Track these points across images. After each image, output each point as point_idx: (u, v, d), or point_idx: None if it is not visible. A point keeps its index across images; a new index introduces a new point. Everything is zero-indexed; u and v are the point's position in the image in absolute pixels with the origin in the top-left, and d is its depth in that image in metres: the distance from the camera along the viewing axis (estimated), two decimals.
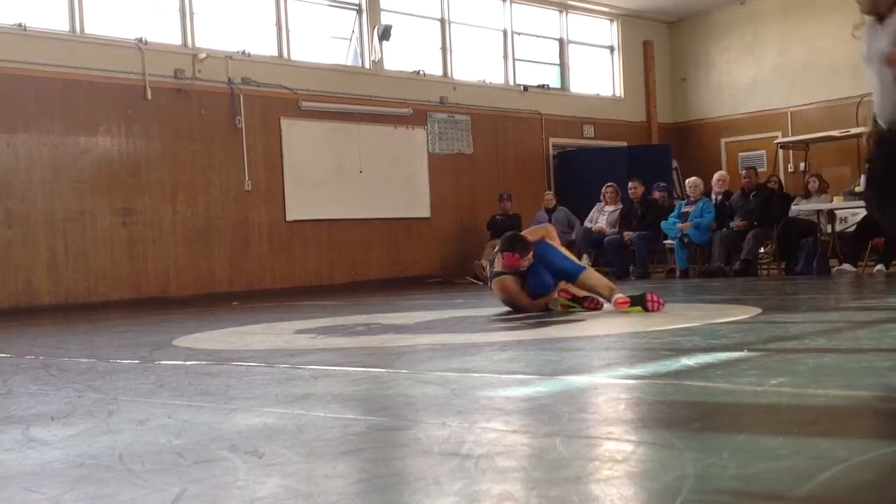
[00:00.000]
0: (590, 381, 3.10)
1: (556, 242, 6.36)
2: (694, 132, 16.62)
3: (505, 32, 14.76)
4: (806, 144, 13.94)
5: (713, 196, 11.31)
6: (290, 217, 11.96)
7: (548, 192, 13.05)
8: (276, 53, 12.15)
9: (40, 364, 4.49)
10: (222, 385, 3.39)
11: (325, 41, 12.92)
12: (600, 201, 12.28)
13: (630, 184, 11.85)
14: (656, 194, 11.96)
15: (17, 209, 9.88)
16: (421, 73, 13.56)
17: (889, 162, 4.75)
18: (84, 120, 10.37)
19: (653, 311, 5.63)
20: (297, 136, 12.06)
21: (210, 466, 2.05)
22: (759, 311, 5.47)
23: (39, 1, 10.38)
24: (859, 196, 8.63)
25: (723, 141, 16.29)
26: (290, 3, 12.28)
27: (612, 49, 16.36)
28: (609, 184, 12.25)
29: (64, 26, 10.43)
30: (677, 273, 11.00)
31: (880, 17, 4.78)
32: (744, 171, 11.36)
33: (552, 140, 15.09)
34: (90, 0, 10.61)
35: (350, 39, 13.10)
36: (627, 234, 11.37)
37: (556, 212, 12.72)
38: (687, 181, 11.86)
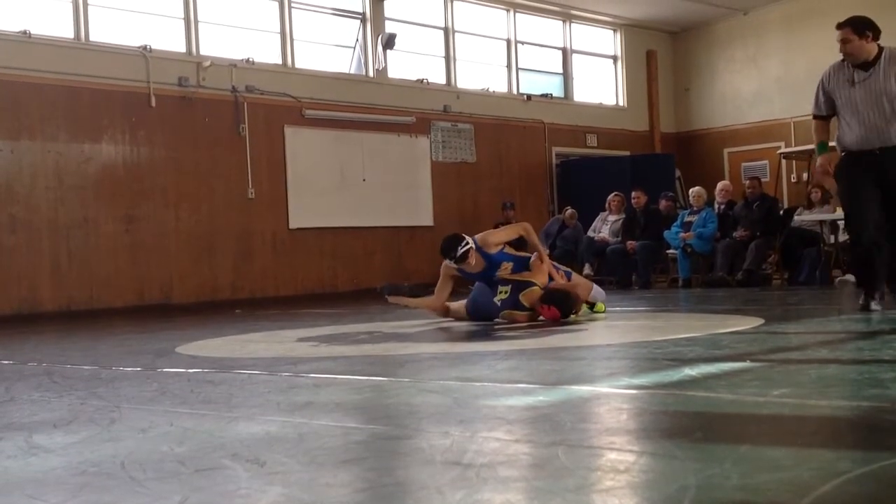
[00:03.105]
0: (592, 390, 3.10)
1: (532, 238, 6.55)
2: (697, 142, 16.63)
3: (508, 41, 14.79)
4: (809, 155, 13.91)
5: (716, 206, 11.31)
6: (293, 225, 11.96)
7: (570, 209, 12.88)
8: (279, 61, 12.18)
9: (43, 371, 4.49)
10: (224, 393, 3.40)
11: (328, 49, 12.95)
12: (605, 210, 12.27)
13: (633, 193, 11.84)
14: (662, 203, 11.94)
15: (21, 216, 9.89)
16: (424, 81, 13.58)
17: None
18: (88, 127, 10.39)
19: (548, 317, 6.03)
20: (301, 144, 12.08)
21: (212, 475, 2.05)
22: (761, 321, 5.47)
23: (44, 8, 10.41)
24: None
25: (725, 151, 16.29)
26: (294, 11, 12.31)
27: (615, 58, 16.39)
28: (616, 193, 12.23)
29: (69, 34, 10.46)
30: (680, 283, 10.99)
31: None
32: (747, 181, 11.36)
33: (555, 149, 15.10)
34: (95, 8, 10.64)
35: (354, 48, 13.13)
36: (630, 244, 11.36)
37: (572, 229, 12.58)
38: (690, 191, 11.86)
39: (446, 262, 6.45)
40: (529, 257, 6.38)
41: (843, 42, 5.56)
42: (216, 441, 2.44)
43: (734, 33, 16.09)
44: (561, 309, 6.04)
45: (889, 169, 5.47)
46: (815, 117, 5.86)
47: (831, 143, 5.89)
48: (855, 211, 5.65)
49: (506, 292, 6.21)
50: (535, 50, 15.22)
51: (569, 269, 6.80)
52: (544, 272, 6.28)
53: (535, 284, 6.16)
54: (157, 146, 10.88)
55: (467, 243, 6.27)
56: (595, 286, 6.96)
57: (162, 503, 1.83)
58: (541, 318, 6.07)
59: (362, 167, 12.60)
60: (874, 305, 5.53)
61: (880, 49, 5.56)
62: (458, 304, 6.64)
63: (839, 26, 5.64)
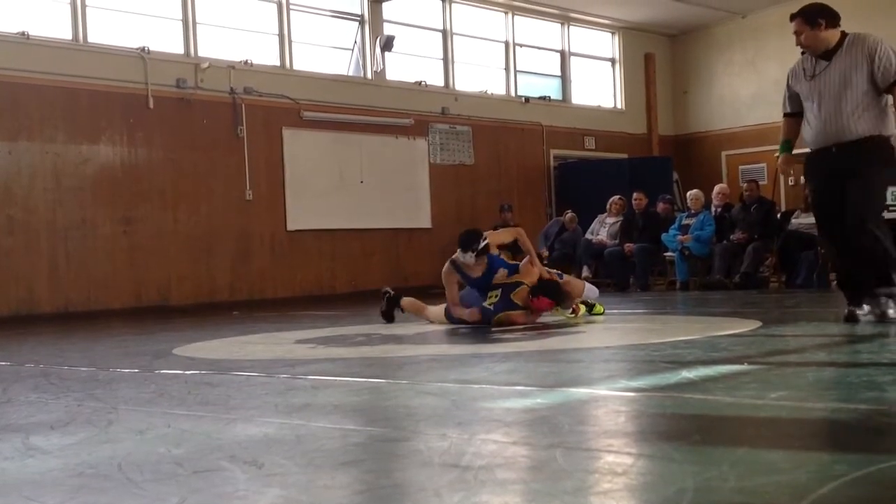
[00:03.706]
0: (590, 393, 3.10)
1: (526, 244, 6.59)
2: (695, 145, 16.64)
3: (507, 44, 14.79)
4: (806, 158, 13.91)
5: (713, 208, 11.32)
6: (291, 227, 11.96)
7: (571, 213, 12.84)
8: (278, 63, 12.18)
9: (40, 372, 4.49)
10: (222, 395, 3.39)
11: (327, 51, 12.95)
12: (603, 212, 12.25)
13: (634, 195, 11.85)
14: (660, 206, 11.96)
15: (19, 217, 9.88)
16: (423, 83, 13.58)
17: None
18: (86, 128, 10.39)
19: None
20: (299, 146, 12.08)
21: (209, 476, 2.05)
22: (759, 324, 5.47)
23: (42, 9, 10.40)
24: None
25: (723, 154, 16.30)
26: (292, 13, 12.31)
27: (613, 61, 16.39)
28: (618, 196, 12.22)
29: (67, 35, 10.45)
30: (678, 285, 10.99)
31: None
32: (745, 184, 11.37)
33: (553, 151, 15.10)
34: (93, 9, 10.64)
35: (352, 50, 13.13)
36: (628, 246, 11.37)
37: (571, 232, 12.56)
38: (688, 193, 11.86)
39: (448, 269, 6.45)
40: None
41: (797, 34, 5.20)
42: (214, 443, 2.44)
43: (733, 36, 16.10)
44: (550, 296, 6.10)
45: (842, 168, 5.01)
46: (784, 115, 5.57)
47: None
48: (823, 231, 5.31)
49: (496, 296, 6.25)
50: (533, 52, 15.22)
51: (560, 272, 6.85)
52: (534, 274, 6.34)
53: (523, 284, 6.22)
54: (155, 148, 10.87)
55: (486, 238, 6.36)
56: (587, 285, 7.00)
57: None
58: (537, 313, 6.16)
59: (360, 169, 12.60)
60: (860, 314, 5.11)
61: (844, 36, 5.15)
62: (438, 308, 6.69)
63: (791, 18, 5.27)
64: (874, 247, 4.94)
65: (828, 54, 5.14)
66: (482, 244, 6.28)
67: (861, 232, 4.95)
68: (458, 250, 6.34)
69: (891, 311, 4.96)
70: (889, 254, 4.96)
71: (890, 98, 5.03)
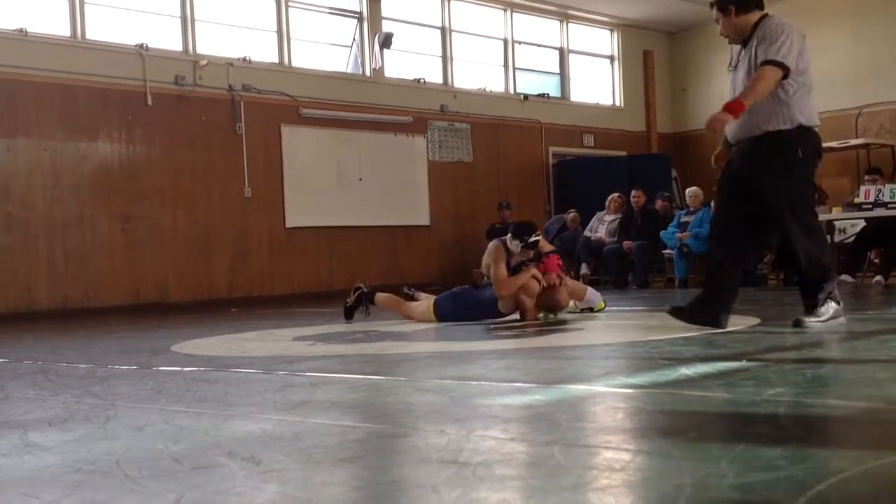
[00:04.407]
0: (588, 389, 3.10)
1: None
2: (694, 142, 16.61)
3: (505, 41, 14.78)
4: None
5: (712, 206, 11.31)
6: (289, 224, 11.95)
7: (573, 212, 12.82)
8: (276, 60, 12.17)
9: (38, 369, 4.49)
10: (220, 391, 3.39)
11: (325, 48, 12.94)
12: (602, 210, 12.26)
13: (633, 192, 11.86)
14: (659, 203, 11.96)
15: (17, 214, 9.87)
16: (421, 81, 13.58)
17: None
18: (84, 125, 10.37)
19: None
20: (298, 144, 12.07)
21: (208, 473, 2.05)
22: (757, 321, 5.48)
23: (41, 6, 10.39)
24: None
25: None
26: (291, 10, 12.30)
27: (612, 59, 16.39)
28: (617, 193, 12.22)
29: (65, 32, 10.44)
30: (676, 283, 11.00)
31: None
32: None
33: (552, 149, 15.10)
34: (91, 6, 10.62)
35: (351, 47, 13.12)
36: (627, 244, 11.38)
37: (572, 231, 12.55)
38: (687, 191, 11.87)
39: (499, 245, 6.44)
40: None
41: (716, 22, 4.81)
42: (212, 439, 2.44)
43: None
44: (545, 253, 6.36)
45: (740, 169, 4.73)
46: None
47: None
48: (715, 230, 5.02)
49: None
50: (532, 50, 15.22)
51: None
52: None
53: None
54: (153, 145, 10.86)
55: (538, 234, 6.50)
56: (589, 289, 7.04)
57: (157, 501, 1.83)
58: (550, 272, 6.38)
59: (359, 166, 12.59)
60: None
61: (760, 21, 4.68)
62: (424, 306, 6.63)
63: (710, 6, 4.82)
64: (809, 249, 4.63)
65: (746, 43, 4.72)
66: (533, 238, 6.36)
67: (790, 226, 4.61)
68: (508, 236, 6.42)
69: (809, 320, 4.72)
70: (814, 259, 4.63)
71: (790, 87, 4.53)
